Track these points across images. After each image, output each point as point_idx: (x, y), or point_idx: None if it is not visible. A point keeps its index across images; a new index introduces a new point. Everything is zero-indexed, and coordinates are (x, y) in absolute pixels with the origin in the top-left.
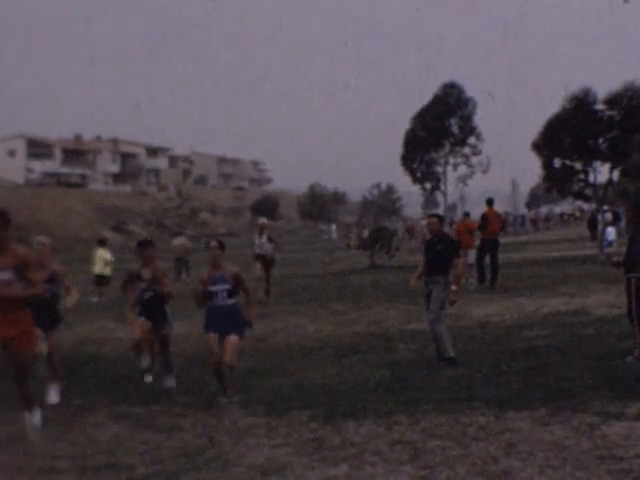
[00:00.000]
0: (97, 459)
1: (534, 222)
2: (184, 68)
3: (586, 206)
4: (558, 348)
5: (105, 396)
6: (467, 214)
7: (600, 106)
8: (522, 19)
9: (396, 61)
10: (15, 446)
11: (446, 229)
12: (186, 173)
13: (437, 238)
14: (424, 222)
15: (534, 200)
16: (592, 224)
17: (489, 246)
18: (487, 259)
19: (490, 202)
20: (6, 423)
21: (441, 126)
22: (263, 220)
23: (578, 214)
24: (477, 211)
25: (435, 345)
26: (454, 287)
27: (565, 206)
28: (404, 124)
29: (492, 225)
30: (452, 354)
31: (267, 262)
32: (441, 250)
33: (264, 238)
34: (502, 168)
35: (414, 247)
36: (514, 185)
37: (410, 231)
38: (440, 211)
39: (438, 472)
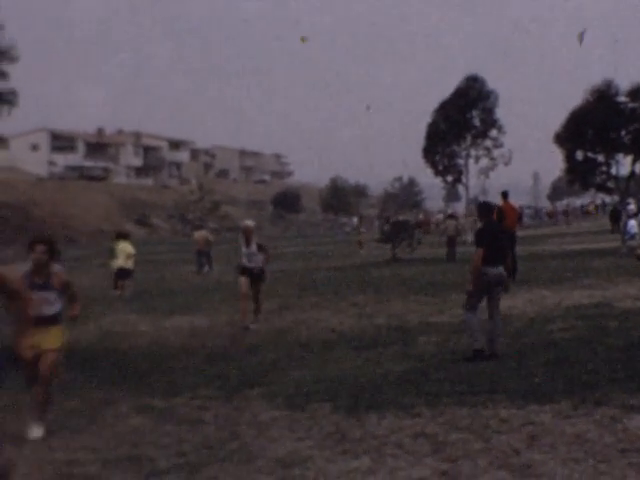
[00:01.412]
0: (119, 451)
1: (550, 215)
2: (206, 61)
3: (608, 199)
4: (580, 341)
5: (127, 389)
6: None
7: (622, 98)
8: (544, 8)
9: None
10: (39, 438)
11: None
12: (208, 166)
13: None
14: (440, 215)
15: (556, 193)
16: (614, 217)
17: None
18: None
19: (505, 195)
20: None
21: (463, 119)
22: (248, 223)
23: (592, 208)
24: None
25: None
26: None
27: (587, 199)
28: (426, 117)
29: (508, 219)
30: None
31: (255, 276)
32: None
33: (253, 246)
34: (524, 160)
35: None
36: (536, 178)
37: (423, 225)
38: (462, 204)
39: (460, 465)
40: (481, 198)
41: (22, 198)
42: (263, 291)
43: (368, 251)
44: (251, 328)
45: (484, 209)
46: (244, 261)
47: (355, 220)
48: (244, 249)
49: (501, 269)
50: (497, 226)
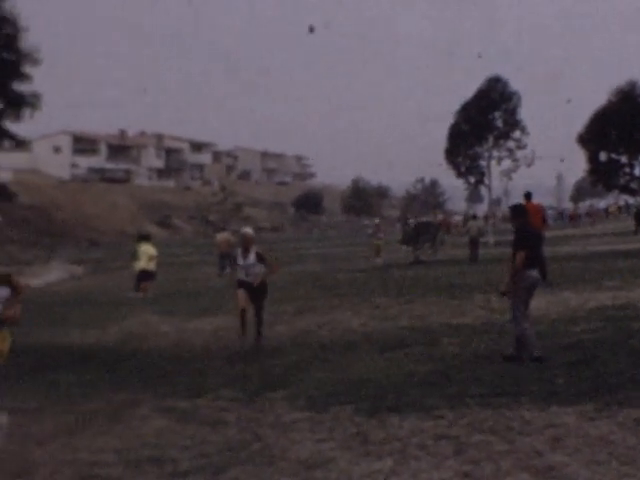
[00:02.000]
0: (142, 452)
1: (573, 217)
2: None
3: (631, 200)
4: (604, 342)
5: (150, 390)
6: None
7: None
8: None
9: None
10: (62, 440)
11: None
12: (230, 168)
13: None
14: (458, 217)
15: (580, 194)
16: (639, 218)
17: None
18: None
19: (528, 196)
20: None
21: (485, 120)
22: (247, 231)
23: (615, 209)
24: None
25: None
26: None
27: (610, 200)
28: (448, 118)
29: (532, 220)
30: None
31: (256, 291)
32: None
33: (251, 257)
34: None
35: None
36: (559, 179)
37: (443, 226)
38: (485, 205)
39: (483, 467)
40: (504, 200)
41: (45, 200)
42: (265, 307)
43: (385, 258)
44: (251, 343)
45: (518, 211)
46: (241, 275)
47: (377, 221)
48: (241, 260)
49: (537, 272)
50: (532, 228)
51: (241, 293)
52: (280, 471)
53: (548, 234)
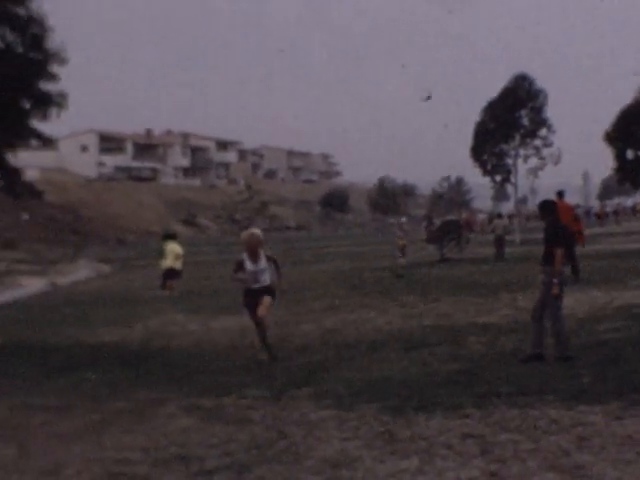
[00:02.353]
0: (168, 451)
1: (599, 216)
2: (254, 62)
3: None
4: (631, 341)
5: (176, 388)
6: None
7: None
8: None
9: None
10: (89, 438)
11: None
12: (256, 166)
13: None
14: (482, 216)
15: (607, 192)
16: None
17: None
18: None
19: (561, 194)
20: None
21: (511, 118)
22: (254, 232)
23: None
24: None
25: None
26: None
27: (638, 198)
28: (474, 116)
29: (564, 218)
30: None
31: (262, 292)
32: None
33: (262, 262)
34: (574, 160)
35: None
36: (586, 177)
37: (467, 224)
38: (511, 204)
39: (509, 466)
40: (530, 198)
41: (72, 199)
42: (271, 307)
43: (412, 257)
44: (259, 357)
45: (547, 208)
46: (250, 282)
47: (403, 220)
48: (249, 265)
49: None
50: (563, 224)
51: (249, 313)
52: (306, 469)
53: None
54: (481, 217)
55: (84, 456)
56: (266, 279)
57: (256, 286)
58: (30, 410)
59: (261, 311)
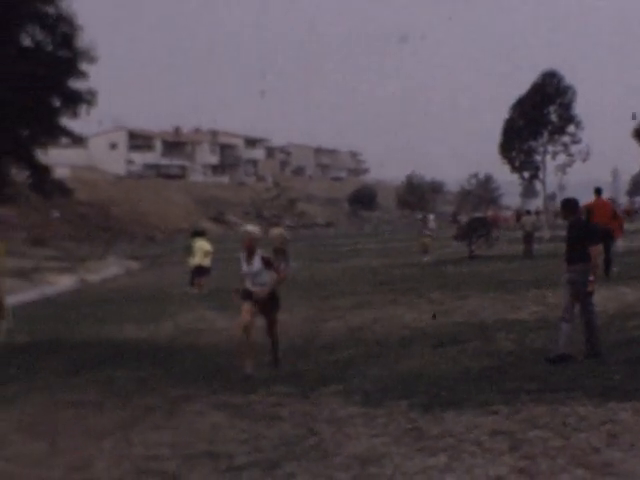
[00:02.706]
0: (197, 447)
1: (629, 213)
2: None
3: None
4: None
5: (205, 385)
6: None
7: None
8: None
9: (493, 50)
10: (119, 434)
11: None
12: (284, 164)
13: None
14: (509, 212)
15: (636, 188)
16: None
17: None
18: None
19: (599, 191)
20: None
21: (540, 115)
22: (250, 229)
23: None
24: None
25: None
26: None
27: None
28: (503, 113)
29: (602, 215)
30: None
31: (266, 304)
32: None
33: (256, 262)
34: (602, 156)
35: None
36: (615, 173)
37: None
38: (539, 200)
39: (538, 463)
40: (559, 194)
41: (101, 196)
42: (278, 322)
43: (437, 254)
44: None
45: (570, 206)
46: (247, 284)
47: (432, 217)
48: (245, 267)
49: None
50: (585, 222)
51: (246, 306)
52: (334, 466)
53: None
54: (507, 214)
55: (113, 452)
56: (264, 281)
57: (255, 288)
58: (60, 406)
59: (270, 334)
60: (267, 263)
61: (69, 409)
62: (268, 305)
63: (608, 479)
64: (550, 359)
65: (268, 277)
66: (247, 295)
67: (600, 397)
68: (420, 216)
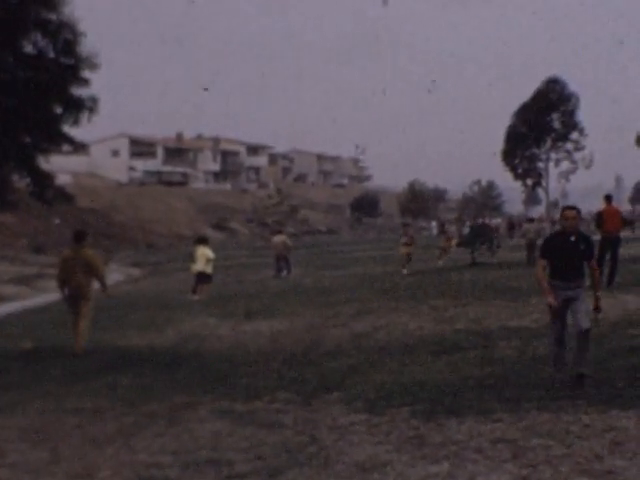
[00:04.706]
0: (199, 454)
1: (630, 223)
2: (284, 66)
3: None
4: None
5: (207, 392)
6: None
7: None
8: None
9: (495, 56)
10: (121, 441)
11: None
12: (286, 170)
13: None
14: (496, 221)
15: (639, 195)
16: None
17: (609, 243)
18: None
19: (609, 199)
20: None
21: (543, 122)
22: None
23: None
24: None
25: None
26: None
27: None
28: (505, 120)
29: (612, 222)
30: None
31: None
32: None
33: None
34: (606, 163)
35: (515, 244)
36: (618, 180)
37: (510, 228)
38: (542, 208)
39: (541, 471)
40: (561, 201)
41: (103, 203)
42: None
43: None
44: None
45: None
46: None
47: (434, 224)
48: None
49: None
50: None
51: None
52: (336, 474)
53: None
54: (496, 222)
55: (115, 459)
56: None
57: None
58: (62, 413)
59: None
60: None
61: (71, 416)
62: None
63: None
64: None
65: None
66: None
67: (603, 405)
68: (430, 223)
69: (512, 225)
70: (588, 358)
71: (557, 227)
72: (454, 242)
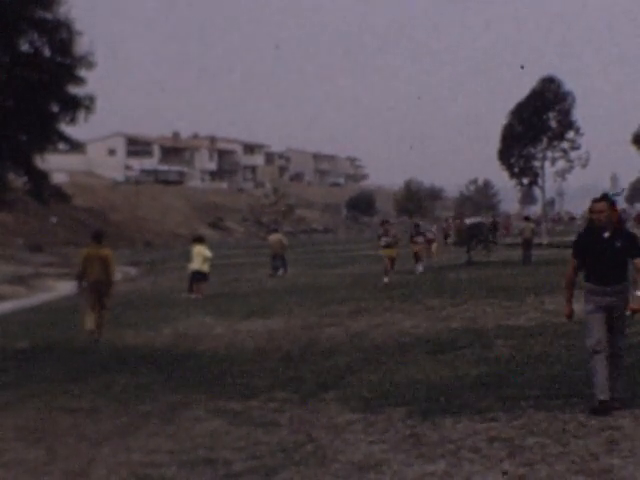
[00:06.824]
0: (195, 454)
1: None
2: (280, 66)
3: None
4: None
5: (203, 391)
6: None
7: None
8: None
9: (491, 55)
10: (117, 440)
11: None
12: (282, 170)
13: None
14: (470, 220)
15: (635, 195)
16: None
17: None
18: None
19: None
20: None
21: (539, 121)
22: None
23: None
24: (576, 207)
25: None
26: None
27: None
28: (501, 118)
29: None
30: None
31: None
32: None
33: None
34: (602, 162)
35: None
36: (614, 179)
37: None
38: (538, 207)
39: (537, 469)
40: (558, 200)
41: (99, 202)
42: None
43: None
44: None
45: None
46: None
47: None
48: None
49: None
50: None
51: None
52: (333, 473)
53: None
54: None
55: (111, 459)
56: None
57: None
58: (58, 412)
59: None
60: None
61: (67, 415)
62: None
63: None
64: (593, 411)
65: None
66: None
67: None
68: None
69: (495, 225)
70: (620, 381)
71: (556, 226)
72: (435, 246)
